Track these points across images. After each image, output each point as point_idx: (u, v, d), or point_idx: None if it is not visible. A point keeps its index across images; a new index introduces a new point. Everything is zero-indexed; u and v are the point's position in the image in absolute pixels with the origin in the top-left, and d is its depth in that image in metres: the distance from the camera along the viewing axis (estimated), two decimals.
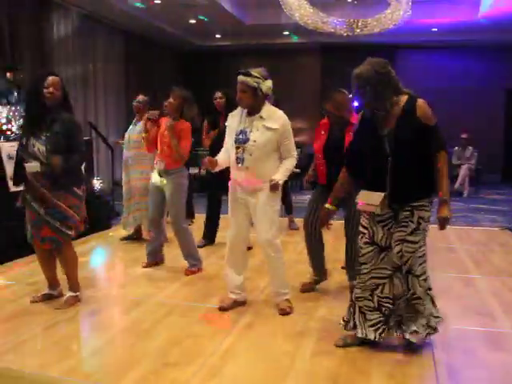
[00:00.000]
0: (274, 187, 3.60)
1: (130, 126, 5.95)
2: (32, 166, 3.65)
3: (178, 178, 4.70)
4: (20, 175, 3.74)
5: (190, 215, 6.86)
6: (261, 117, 3.62)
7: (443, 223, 2.98)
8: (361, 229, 3.17)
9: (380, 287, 3.09)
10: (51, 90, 3.64)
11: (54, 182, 3.67)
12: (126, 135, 5.91)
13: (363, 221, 3.15)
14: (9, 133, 5.60)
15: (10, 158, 5.27)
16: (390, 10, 8.76)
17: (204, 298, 4.12)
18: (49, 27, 8.97)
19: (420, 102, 2.98)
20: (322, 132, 4.18)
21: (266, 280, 4.44)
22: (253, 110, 3.65)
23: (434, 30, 11.48)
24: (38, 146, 3.65)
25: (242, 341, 3.32)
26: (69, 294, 3.95)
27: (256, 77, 3.56)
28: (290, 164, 3.73)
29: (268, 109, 3.67)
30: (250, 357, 3.10)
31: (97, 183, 7.23)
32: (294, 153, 3.77)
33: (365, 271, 3.10)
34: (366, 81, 2.95)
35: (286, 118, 3.72)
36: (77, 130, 3.81)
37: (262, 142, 3.59)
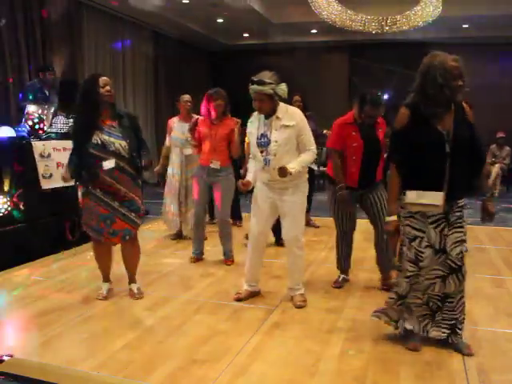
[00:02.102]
0: (281, 170, 3.61)
1: (181, 125, 5.87)
2: (110, 163, 3.76)
3: (230, 174, 4.99)
4: (93, 174, 3.79)
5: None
6: (277, 117, 3.72)
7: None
8: (415, 232, 3.04)
9: (432, 286, 3.07)
10: (108, 88, 3.78)
11: (128, 176, 3.85)
12: (181, 134, 5.83)
13: (415, 223, 3.04)
14: (41, 132, 5.70)
15: (41, 156, 5.38)
16: (419, 7, 8.65)
17: (231, 296, 4.12)
18: (79, 28, 9.11)
19: (463, 102, 3.04)
20: (353, 133, 4.06)
21: None
22: (270, 113, 3.74)
23: (465, 26, 11.27)
24: (119, 143, 3.79)
25: (270, 340, 3.32)
26: (135, 285, 4.15)
27: (270, 83, 3.62)
28: (307, 157, 3.79)
29: (282, 108, 3.76)
30: (277, 356, 3.10)
31: None
32: (313, 147, 3.82)
33: (422, 273, 3.05)
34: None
35: (300, 113, 3.83)
36: (138, 122, 4.11)
37: (282, 140, 3.70)
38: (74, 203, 5.63)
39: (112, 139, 3.77)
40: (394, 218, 3.11)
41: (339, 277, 4.39)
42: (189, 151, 5.80)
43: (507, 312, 3.80)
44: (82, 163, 3.81)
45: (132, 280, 4.17)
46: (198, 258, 5.20)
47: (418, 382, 2.78)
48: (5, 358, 3.01)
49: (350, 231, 4.29)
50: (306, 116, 3.90)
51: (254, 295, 4.11)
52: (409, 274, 3.10)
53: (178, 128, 5.89)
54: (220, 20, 11.31)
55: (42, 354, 3.12)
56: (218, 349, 3.17)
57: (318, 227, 6.78)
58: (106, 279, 4.17)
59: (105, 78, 3.81)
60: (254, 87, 3.64)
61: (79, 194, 3.94)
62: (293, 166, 3.66)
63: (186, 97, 5.94)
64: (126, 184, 3.84)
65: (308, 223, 6.54)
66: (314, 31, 12.33)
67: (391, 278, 4.13)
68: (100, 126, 3.78)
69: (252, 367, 2.93)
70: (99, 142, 3.75)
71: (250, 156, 3.99)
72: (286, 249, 4.02)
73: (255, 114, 3.86)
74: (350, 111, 4.17)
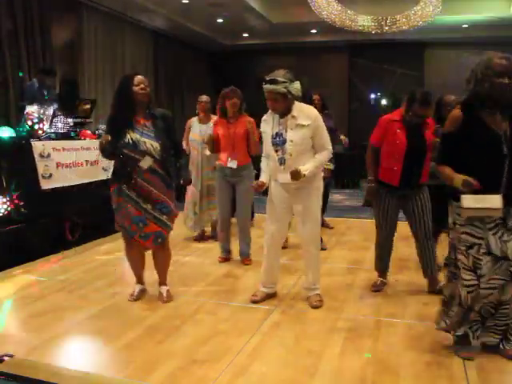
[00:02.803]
0: (293, 173, 3.58)
1: (198, 126, 5.83)
2: (146, 162, 3.70)
3: (250, 172, 4.98)
4: (127, 173, 3.74)
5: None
6: (293, 116, 3.67)
7: None
8: (474, 240, 2.88)
9: (489, 296, 2.93)
10: (143, 86, 3.73)
11: (160, 178, 3.78)
12: (199, 136, 5.78)
13: (474, 230, 2.88)
14: (41, 132, 5.70)
15: (41, 156, 5.38)
16: (419, 7, 8.65)
17: (231, 296, 4.14)
18: (78, 28, 9.12)
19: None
20: (398, 130, 3.92)
21: (295, 279, 4.48)
22: (285, 112, 3.69)
23: (464, 26, 11.27)
24: (151, 143, 3.73)
25: (269, 339, 3.32)
26: (165, 288, 4.09)
27: (283, 82, 3.56)
28: (323, 156, 3.76)
29: (298, 106, 3.71)
30: (277, 356, 3.10)
31: None
32: (329, 147, 3.79)
33: (481, 282, 2.90)
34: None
35: (316, 112, 3.77)
36: (173, 123, 4.02)
37: (298, 140, 3.66)
38: (74, 203, 5.68)
39: (144, 139, 3.71)
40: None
41: (377, 280, 4.28)
42: (207, 152, 5.73)
43: None
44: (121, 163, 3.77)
45: (163, 282, 4.11)
46: (226, 257, 5.20)
47: (417, 381, 2.78)
48: (5, 358, 3.01)
49: (390, 236, 4.16)
50: (324, 114, 3.85)
51: (270, 297, 4.04)
52: (467, 283, 2.91)
53: (195, 129, 5.84)
54: (220, 20, 11.31)
55: (42, 354, 3.11)
56: (218, 349, 3.17)
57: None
58: (139, 280, 4.15)
59: (140, 76, 3.77)
60: (266, 86, 3.59)
61: (112, 192, 3.85)
62: (306, 167, 3.61)
63: (203, 97, 5.87)
64: (158, 186, 3.77)
65: (322, 224, 6.48)
66: (313, 31, 12.33)
67: (439, 282, 4.04)
68: (132, 125, 3.72)
69: (252, 367, 2.93)
70: (130, 141, 3.69)
71: (263, 155, 3.95)
72: (302, 248, 4.01)
73: (269, 112, 3.81)
74: (395, 110, 4.10)
